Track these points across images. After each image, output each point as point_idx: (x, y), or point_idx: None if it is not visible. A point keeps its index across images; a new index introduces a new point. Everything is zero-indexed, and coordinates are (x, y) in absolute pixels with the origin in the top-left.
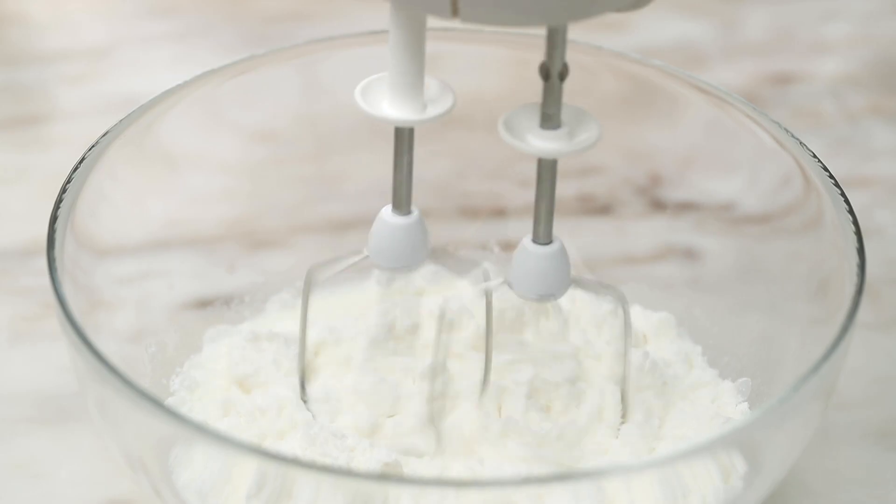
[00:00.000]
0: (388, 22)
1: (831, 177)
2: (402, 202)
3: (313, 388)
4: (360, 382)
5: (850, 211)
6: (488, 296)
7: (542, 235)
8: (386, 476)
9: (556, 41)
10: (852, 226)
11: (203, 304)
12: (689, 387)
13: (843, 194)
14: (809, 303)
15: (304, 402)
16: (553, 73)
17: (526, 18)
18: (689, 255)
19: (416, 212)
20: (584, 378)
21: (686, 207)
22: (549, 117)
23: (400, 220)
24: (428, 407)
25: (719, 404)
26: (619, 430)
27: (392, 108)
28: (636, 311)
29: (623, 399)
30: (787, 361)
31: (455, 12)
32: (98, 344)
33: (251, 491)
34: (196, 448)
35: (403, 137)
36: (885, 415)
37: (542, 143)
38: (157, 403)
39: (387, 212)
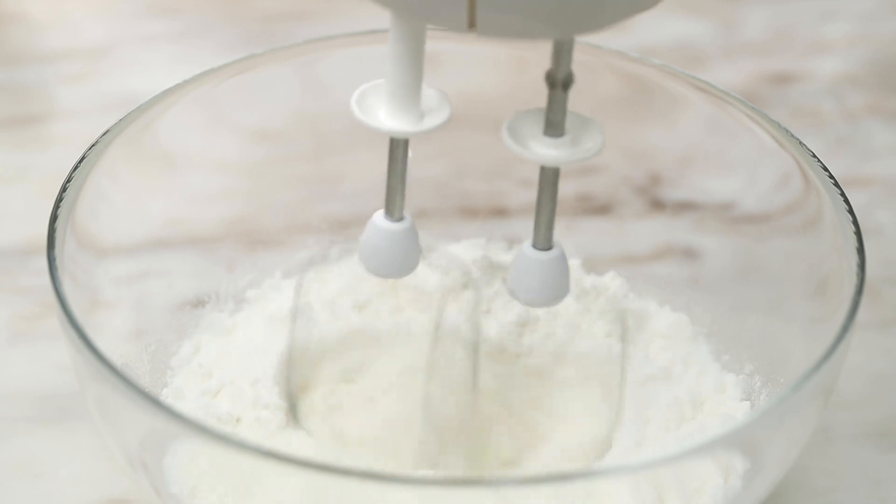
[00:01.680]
0: (388, 32)
1: (831, 176)
2: (394, 209)
3: (304, 405)
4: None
5: (850, 211)
6: (475, 319)
7: (543, 242)
8: (383, 476)
9: (562, 50)
10: (852, 225)
11: (203, 303)
12: (687, 385)
13: (842, 194)
14: (809, 302)
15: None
16: (558, 82)
17: (546, 32)
18: (689, 254)
19: (408, 218)
20: (575, 388)
21: (685, 207)
22: (554, 125)
23: (392, 227)
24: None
25: (719, 401)
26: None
27: (388, 118)
28: (650, 309)
29: (618, 408)
30: (787, 361)
31: (472, 25)
32: (98, 343)
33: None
34: (195, 447)
35: (399, 147)
36: (885, 414)
37: (546, 150)
38: (156, 403)
39: (379, 217)
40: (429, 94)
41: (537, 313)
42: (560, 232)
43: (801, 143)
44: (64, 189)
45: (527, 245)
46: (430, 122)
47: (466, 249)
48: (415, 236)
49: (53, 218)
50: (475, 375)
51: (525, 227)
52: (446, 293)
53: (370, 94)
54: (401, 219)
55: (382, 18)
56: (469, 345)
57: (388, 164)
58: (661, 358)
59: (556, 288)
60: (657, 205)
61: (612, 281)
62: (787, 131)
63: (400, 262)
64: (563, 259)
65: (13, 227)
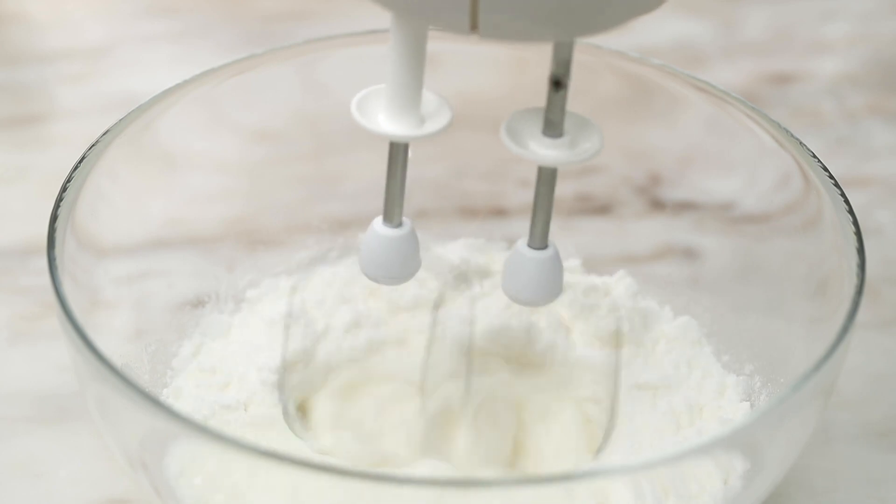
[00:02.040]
0: (389, 36)
1: (831, 176)
2: (393, 215)
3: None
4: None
5: (850, 211)
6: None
7: (538, 241)
8: (381, 476)
9: (563, 51)
10: (852, 225)
11: (203, 303)
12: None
13: (842, 194)
14: (809, 302)
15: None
16: (559, 83)
17: (548, 34)
18: (689, 254)
19: (407, 224)
20: (570, 392)
21: (685, 207)
22: (552, 125)
23: (391, 233)
24: (416, 428)
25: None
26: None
27: (388, 122)
28: (654, 311)
29: (611, 412)
30: (787, 361)
31: (474, 28)
32: (98, 343)
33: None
34: (195, 447)
35: (398, 151)
36: (885, 414)
37: (544, 150)
38: (156, 402)
39: (378, 223)
40: (429, 98)
41: (537, 316)
42: (559, 232)
43: (801, 143)
44: (64, 189)
45: (521, 243)
46: (431, 126)
47: (453, 251)
48: (415, 242)
49: (53, 218)
50: (469, 376)
51: (524, 227)
52: (440, 295)
53: (370, 99)
54: (399, 224)
55: (382, 18)
56: (464, 346)
57: (387, 170)
58: (666, 361)
59: (549, 287)
60: (657, 205)
61: (619, 282)
62: (787, 131)
63: (399, 268)
64: (556, 258)
65: (13, 227)
